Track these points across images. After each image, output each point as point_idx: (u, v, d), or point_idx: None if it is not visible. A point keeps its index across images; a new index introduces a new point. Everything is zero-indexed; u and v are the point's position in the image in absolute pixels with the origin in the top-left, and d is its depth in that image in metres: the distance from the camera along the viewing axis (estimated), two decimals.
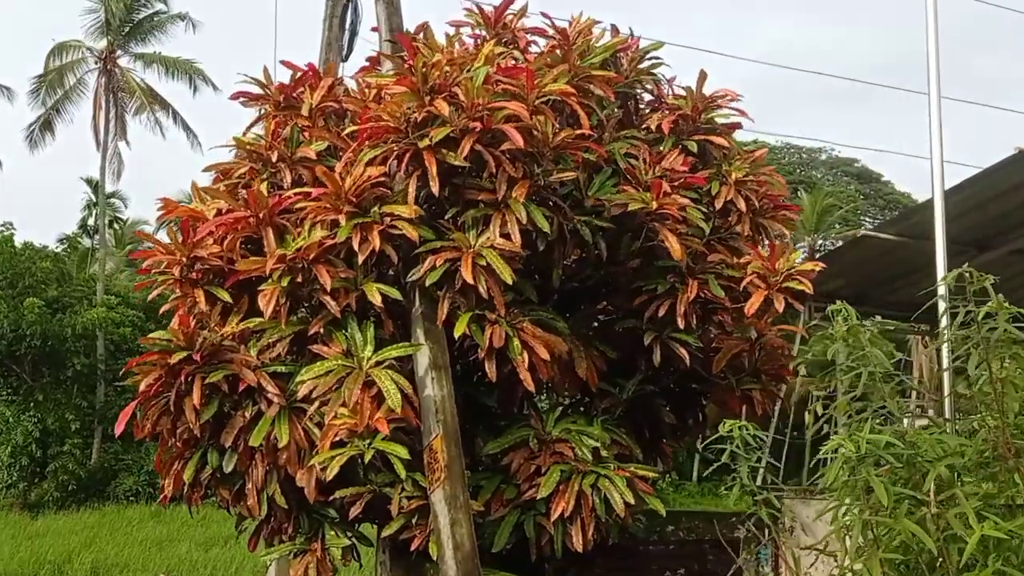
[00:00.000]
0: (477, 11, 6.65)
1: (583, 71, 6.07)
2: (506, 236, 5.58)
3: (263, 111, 6.58)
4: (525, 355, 5.66)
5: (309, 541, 5.93)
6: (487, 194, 5.74)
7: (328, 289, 5.40)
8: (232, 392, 5.63)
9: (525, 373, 5.68)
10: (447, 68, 5.54)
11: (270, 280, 5.51)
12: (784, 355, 7.12)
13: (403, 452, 5.40)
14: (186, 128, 29.99)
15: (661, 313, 6.33)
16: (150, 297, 6.53)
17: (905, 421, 4.82)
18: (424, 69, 5.47)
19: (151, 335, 5.65)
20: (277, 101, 6.53)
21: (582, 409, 6.81)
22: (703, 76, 6.65)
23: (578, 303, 6.93)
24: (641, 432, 7.06)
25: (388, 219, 5.58)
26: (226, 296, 6.02)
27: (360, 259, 5.46)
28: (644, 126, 6.90)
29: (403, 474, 5.43)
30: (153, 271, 6.15)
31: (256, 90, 6.63)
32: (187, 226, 6.09)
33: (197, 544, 17.43)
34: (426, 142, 5.41)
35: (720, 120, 6.75)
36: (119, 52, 29.39)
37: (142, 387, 5.56)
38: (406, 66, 5.68)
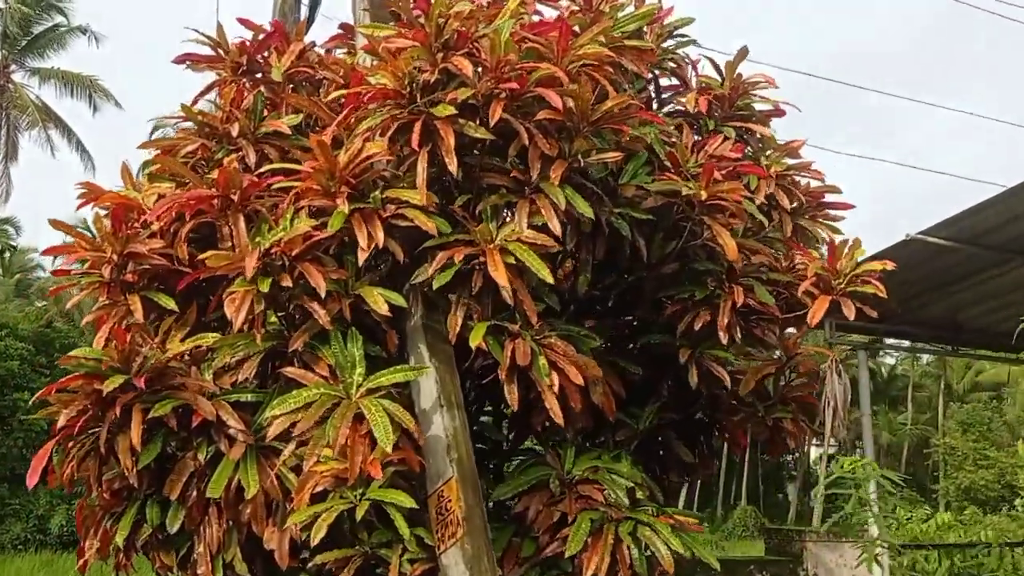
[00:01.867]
0: None
1: (615, 40, 5.03)
2: (537, 228, 4.48)
3: (217, 77, 5.29)
4: (554, 377, 4.55)
5: None
6: (508, 177, 4.64)
7: (321, 294, 4.17)
8: (182, 428, 4.33)
9: (552, 400, 4.57)
10: (466, 21, 4.42)
11: (239, 282, 4.24)
12: (817, 381, 6.22)
13: (406, 501, 4.20)
14: (80, 149, 27.74)
15: (698, 326, 5.32)
16: (70, 304, 5.17)
17: None
18: (440, 19, 4.33)
19: (73, 354, 4.30)
20: (235, 64, 5.27)
21: (596, 442, 5.75)
22: (743, 53, 5.73)
23: (592, 315, 5.86)
24: (650, 468, 6.04)
25: (392, 207, 4.41)
26: (170, 303, 4.72)
27: (361, 256, 4.26)
28: (667, 110, 5.95)
29: (406, 532, 4.22)
30: (74, 272, 4.81)
31: (207, 51, 5.35)
32: (119, 215, 4.77)
33: None
34: (443, 109, 4.27)
35: (758, 106, 5.83)
36: (13, 67, 27.06)
37: (61, 421, 4.20)
38: (412, 18, 4.52)
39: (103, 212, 4.90)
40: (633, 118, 4.71)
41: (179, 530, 4.43)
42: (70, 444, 4.34)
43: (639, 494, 5.05)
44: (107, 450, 4.16)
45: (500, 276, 4.23)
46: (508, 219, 4.66)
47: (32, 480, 4.29)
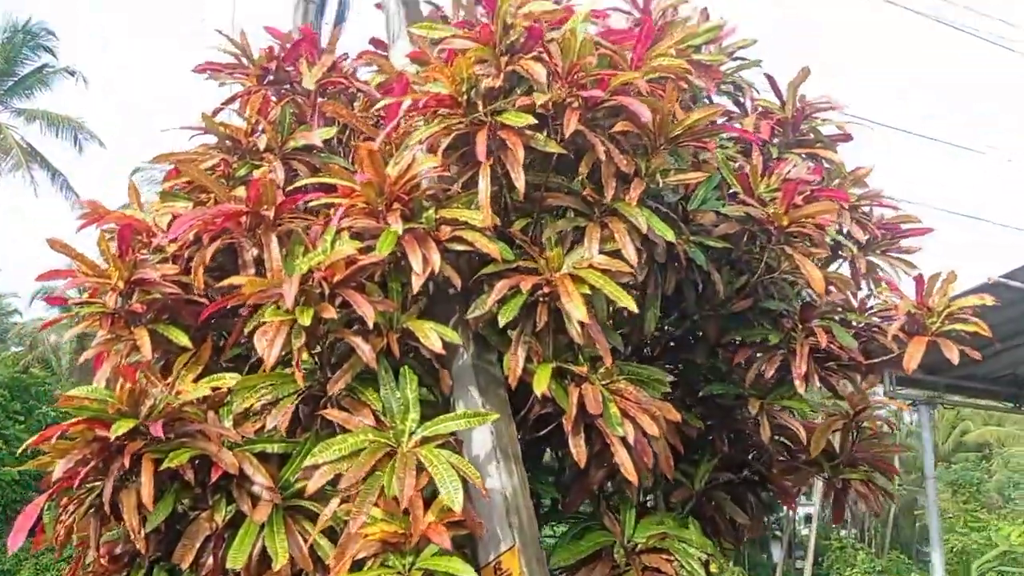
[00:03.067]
0: None
1: (685, 54, 4.55)
2: (610, 254, 3.93)
3: (241, 88, 4.74)
4: (628, 428, 3.95)
5: None
6: (577, 198, 4.10)
7: (370, 325, 3.56)
8: (197, 483, 3.67)
9: (624, 454, 3.98)
10: (536, 21, 3.91)
11: (272, 311, 3.62)
12: (887, 439, 5.67)
13: (466, 572, 3.55)
14: (66, 188, 26.94)
15: (770, 373, 4.77)
16: (68, 335, 4.54)
17: None
18: (507, 17, 3.83)
19: (73, 393, 3.65)
20: (262, 72, 4.73)
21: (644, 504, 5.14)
22: (805, 73, 5.27)
23: (650, 359, 5.28)
24: (704, 532, 5.42)
25: (448, 228, 3.85)
26: (183, 339, 4.10)
27: (416, 283, 3.68)
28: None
29: None
30: (72, 302, 4.17)
31: (229, 59, 4.81)
32: (127, 237, 4.17)
33: None
34: (515, 117, 3.74)
35: (824, 130, 5.36)
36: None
37: (57, 472, 3.51)
38: (475, 17, 4.01)
39: (108, 234, 4.29)
40: (719, 134, 4.20)
41: None
42: (66, 499, 3.66)
43: (713, 567, 4.45)
44: (111, 507, 3.48)
45: (577, 309, 3.65)
46: (572, 245, 4.11)
47: (16, 541, 3.59)
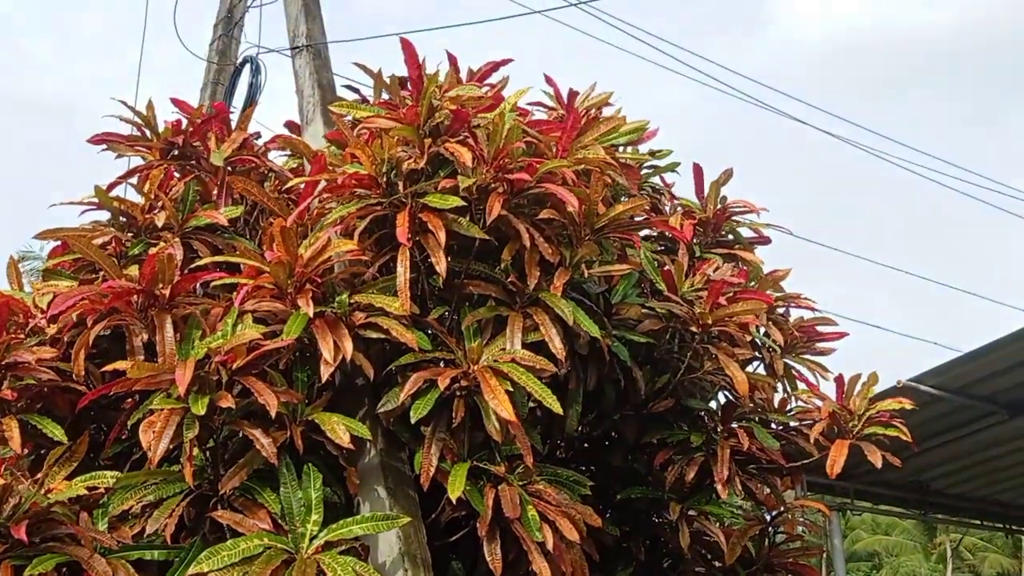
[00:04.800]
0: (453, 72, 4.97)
1: (609, 151, 4.52)
2: (532, 347, 3.75)
3: (142, 161, 4.44)
4: (547, 532, 3.70)
5: None
6: (498, 287, 3.93)
7: (272, 414, 3.24)
8: None
9: (541, 563, 3.71)
10: (460, 105, 3.81)
11: (161, 400, 3.26)
12: (807, 545, 5.55)
13: None
14: None
15: (690, 476, 4.61)
16: None
17: None
18: (433, 99, 3.71)
19: None
20: (166, 147, 4.45)
21: None
22: (728, 174, 5.33)
23: (564, 461, 5.05)
24: None
25: (362, 314, 3.60)
26: (58, 432, 3.67)
27: (324, 371, 3.40)
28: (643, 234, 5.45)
29: None
30: None
31: (130, 130, 4.52)
32: (1, 315, 3.76)
33: None
34: (438, 199, 3.58)
35: (745, 233, 5.40)
36: None
37: None
38: (399, 97, 3.88)
39: None
40: (644, 227, 4.13)
41: None
42: None
43: None
44: None
45: (501, 406, 3.43)
46: (492, 336, 3.91)
47: None
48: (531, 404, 4.19)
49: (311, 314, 3.42)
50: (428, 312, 3.97)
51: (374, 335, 3.60)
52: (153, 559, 3.44)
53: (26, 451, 3.83)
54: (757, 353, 5.13)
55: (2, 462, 3.46)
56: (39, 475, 3.55)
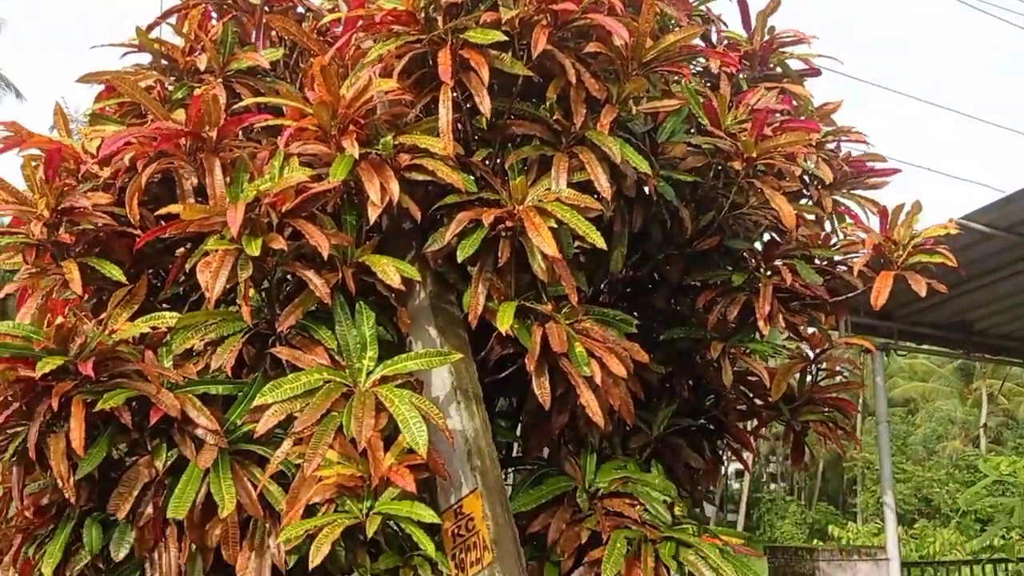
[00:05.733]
0: None
1: None
2: (578, 186, 3.72)
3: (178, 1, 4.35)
4: (595, 368, 3.78)
5: None
6: (543, 126, 3.87)
7: (325, 255, 3.30)
8: (136, 427, 3.39)
9: (589, 396, 3.81)
10: None
11: (215, 241, 3.33)
12: (849, 379, 5.61)
13: (429, 516, 3.36)
14: None
15: (733, 315, 4.64)
16: None
17: None
18: None
19: None
20: None
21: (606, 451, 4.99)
22: (775, 3, 5.07)
23: (608, 305, 5.11)
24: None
25: (407, 156, 3.58)
26: (118, 273, 3.78)
27: (372, 213, 3.42)
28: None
29: (432, 552, 3.39)
30: None
31: None
32: (54, 162, 3.81)
33: None
34: (479, 34, 3.47)
35: (792, 65, 5.19)
36: None
37: None
38: None
39: (32, 160, 3.92)
40: (695, 58, 4.00)
41: (127, 557, 3.48)
42: None
43: (677, 510, 4.33)
44: (36, 454, 3.18)
45: (545, 243, 3.43)
46: (537, 177, 3.88)
47: None
48: (575, 250, 4.21)
49: (356, 155, 3.41)
50: (472, 153, 3.93)
51: (419, 177, 3.58)
52: (217, 393, 3.61)
53: (86, 296, 3.97)
54: (804, 189, 5.05)
55: (65, 304, 3.58)
56: (102, 316, 3.69)
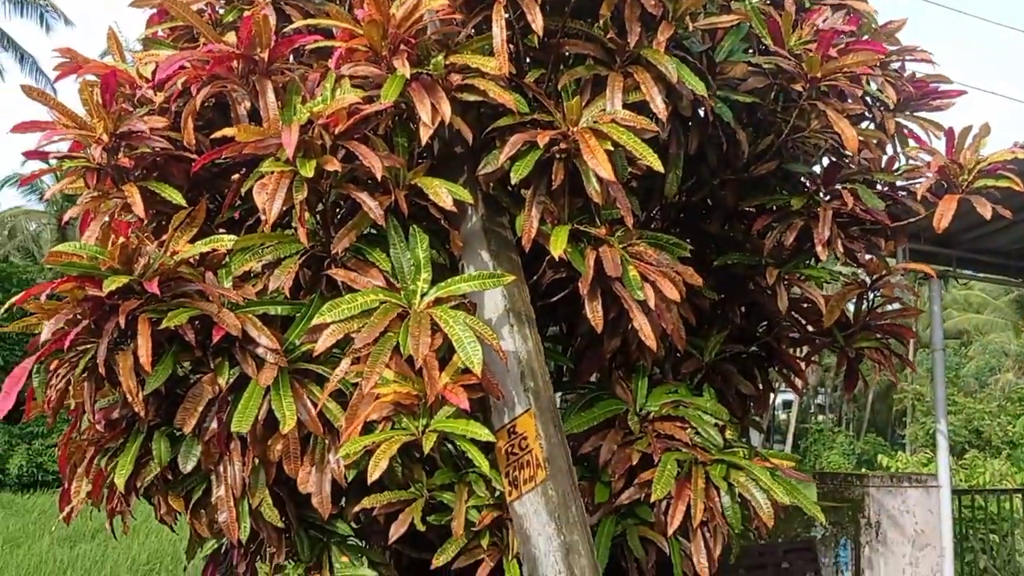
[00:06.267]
0: None
1: None
2: (633, 107, 3.66)
3: None
4: (648, 291, 3.77)
5: (309, 572, 3.88)
6: (596, 45, 3.79)
7: (378, 176, 3.31)
8: (199, 345, 3.49)
9: (642, 319, 3.80)
10: None
11: (270, 163, 3.36)
12: (908, 305, 5.51)
13: (484, 434, 3.43)
14: (36, 71, 25.77)
15: (790, 240, 4.57)
16: (50, 193, 4.25)
17: None
18: None
19: (60, 248, 3.40)
20: None
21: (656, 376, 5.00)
22: None
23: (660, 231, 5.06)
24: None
25: (458, 76, 3.55)
26: (177, 197, 3.84)
27: (424, 134, 3.41)
28: None
29: (487, 469, 3.47)
30: (52, 156, 3.88)
31: None
32: (111, 86, 3.85)
33: (60, 540, 14.62)
34: None
35: None
36: None
37: (44, 334, 3.32)
38: None
39: (89, 86, 3.96)
40: None
41: (193, 470, 3.62)
42: (56, 363, 3.47)
43: (728, 433, 4.35)
44: (106, 370, 3.30)
45: (601, 166, 3.40)
46: (591, 98, 3.82)
47: (5, 404, 3.40)
48: (627, 176, 4.16)
49: (408, 75, 3.39)
50: (524, 74, 3.88)
51: (471, 97, 3.55)
52: (276, 314, 3.68)
53: (147, 217, 4.05)
54: (867, 112, 4.90)
55: (128, 225, 3.66)
56: (163, 239, 3.77)
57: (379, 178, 3.32)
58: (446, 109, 3.44)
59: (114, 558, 13.31)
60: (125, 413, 3.60)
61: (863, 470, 24.09)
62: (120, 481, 3.51)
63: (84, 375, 3.39)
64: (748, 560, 5.93)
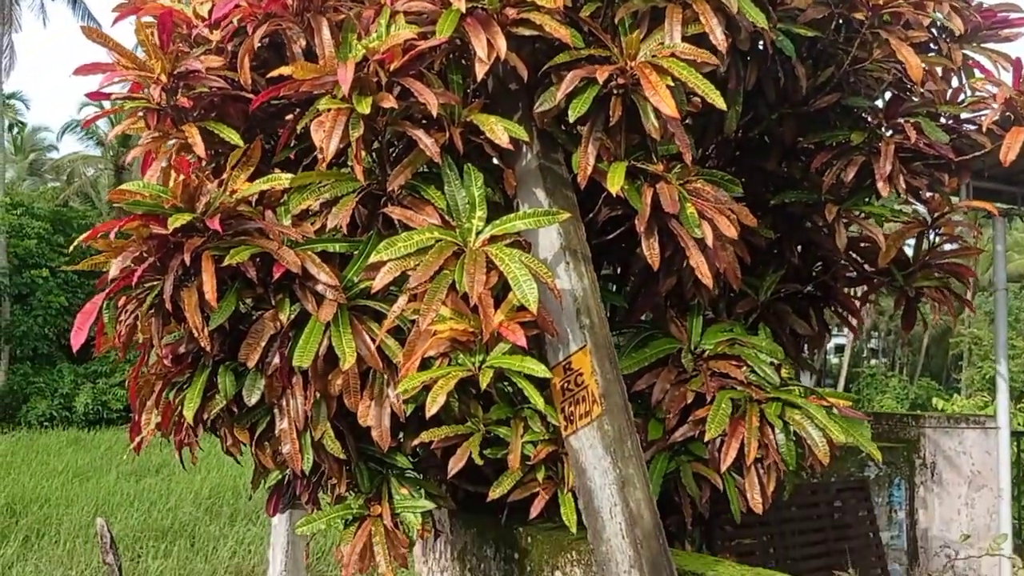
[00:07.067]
0: None
1: None
2: (692, 40, 3.59)
3: None
4: (706, 229, 3.73)
5: (369, 503, 3.99)
6: None
7: (434, 113, 3.31)
8: (261, 282, 3.56)
9: (699, 257, 3.78)
10: None
11: (327, 101, 3.38)
12: (969, 244, 5.37)
13: (540, 370, 3.47)
14: (87, 17, 26.01)
15: (850, 176, 4.47)
16: (113, 134, 4.33)
17: None
18: None
19: (125, 187, 3.48)
20: None
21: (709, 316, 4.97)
22: None
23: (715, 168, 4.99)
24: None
25: (512, 10, 3.51)
26: (235, 136, 3.89)
27: (479, 70, 3.38)
28: None
29: (541, 405, 3.52)
30: (114, 96, 3.95)
31: None
32: (168, 26, 3.88)
33: (126, 474, 15.26)
34: None
35: None
36: None
37: (112, 271, 3.41)
38: None
39: (146, 27, 4.00)
40: None
41: (257, 403, 3.73)
42: (124, 299, 3.58)
43: (784, 372, 4.33)
44: (173, 306, 3.39)
45: (664, 102, 3.35)
46: (648, 31, 3.75)
47: (78, 339, 3.52)
48: (684, 112, 4.08)
49: (463, 9, 3.35)
50: (580, 8, 3.81)
51: (526, 32, 3.51)
52: (335, 251, 3.74)
53: (204, 160, 4.11)
54: (932, 42, 4.73)
55: (189, 164, 3.73)
56: (222, 178, 3.83)
57: (434, 115, 3.32)
58: (502, 44, 3.40)
59: (178, 492, 13.85)
60: (191, 348, 3.70)
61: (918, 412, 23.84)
62: (189, 413, 3.63)
63: (151, 311, 3.49)
64: (801, 498, 5.94)
